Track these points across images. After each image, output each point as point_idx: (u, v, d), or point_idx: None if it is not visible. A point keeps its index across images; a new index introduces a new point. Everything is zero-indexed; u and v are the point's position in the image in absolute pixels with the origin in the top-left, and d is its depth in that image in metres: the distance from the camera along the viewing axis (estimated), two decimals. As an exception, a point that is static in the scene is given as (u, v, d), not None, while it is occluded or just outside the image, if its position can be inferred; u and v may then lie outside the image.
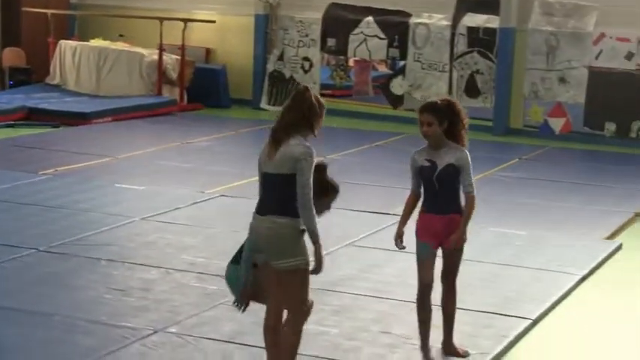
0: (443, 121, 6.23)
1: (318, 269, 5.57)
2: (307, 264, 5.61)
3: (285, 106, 5.74)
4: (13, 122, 14.94)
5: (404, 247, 6.37)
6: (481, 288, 8.06)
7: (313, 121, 5.68)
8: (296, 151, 5.59)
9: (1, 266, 8.12)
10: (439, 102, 6.30)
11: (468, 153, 6.28)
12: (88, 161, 12.49)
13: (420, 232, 6.33)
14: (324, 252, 5.59)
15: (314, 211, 5.54)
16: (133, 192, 10.88)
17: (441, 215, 6.30)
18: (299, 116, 5.66)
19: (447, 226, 6.29)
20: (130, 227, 9.44)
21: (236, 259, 5.84)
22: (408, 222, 6.41)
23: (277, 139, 5.67)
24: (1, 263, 8.18)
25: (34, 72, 17.90)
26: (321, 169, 5.79)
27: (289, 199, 5.60)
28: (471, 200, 6.33)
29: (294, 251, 5.59)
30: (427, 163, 6.30)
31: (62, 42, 17.82)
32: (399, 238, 6.37)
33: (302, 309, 5.68)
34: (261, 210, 5.69)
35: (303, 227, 5.58)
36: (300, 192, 5.54)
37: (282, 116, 5.71)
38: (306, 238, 5.58)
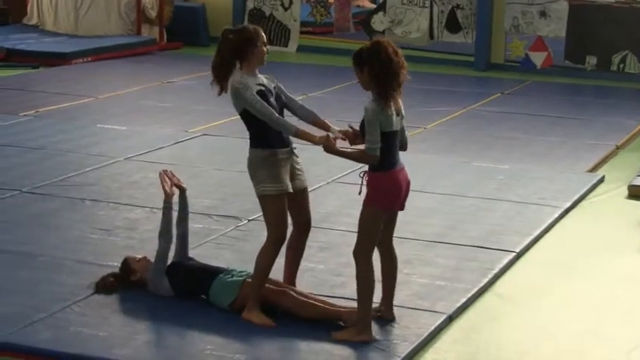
0: (362, 67, 5.71)
1: (326, 147, 5.80)
2: (274, 191, 5.92)
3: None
4: (-9, 64, 14.84)
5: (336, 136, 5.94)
6: (465, 222, 8.11)
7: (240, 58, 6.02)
8: (230, 90, 5.98)
9: (-15, 208, 8.13)
10: (363, 47, 5.83)
11: (373, 105, 5.65)
12: (69, 102, 12.43)
13: None
14: (308, 135, 5.88)
15: (275, 118, 5.87)
16: (115, 132, 10.85)
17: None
18: (218, 60, 6.10)
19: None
20: (114, 167, 9.43)
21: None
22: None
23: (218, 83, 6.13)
24: (-15, 205, 8.19)
25: (10, 13, 17.71)
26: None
27: (250, 130, 6.00)
28: (366, 154, 5.71)
29: (258, 179, 5.96)
30: None
31: (39, -18, 17.64)
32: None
33: (271, 233, 5.99)
34: None
35: (272, 157, 5.93)
36: (260, 116, 5.89)
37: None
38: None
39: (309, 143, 5.94)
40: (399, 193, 5.86)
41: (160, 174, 6.49)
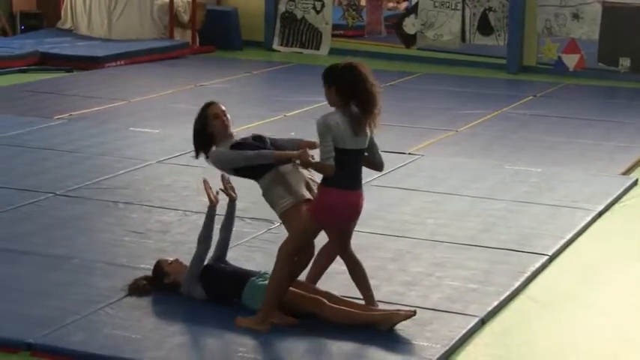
0: (330, 86, 5.80)
1: (302, 160, 5.95)
2: (291, 203, 6.03)
3: None
4: (26, 67, 14.92)
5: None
6: (497, 225, 8.09)
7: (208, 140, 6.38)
8: (212, 164, 6.38)
9: (19, 210, 8.18)
10: (336, 65, 5.90)
11: (325, 119, 5.73)
12: (102, 105, 12.50)
13: None
14: (285, 155, 6.11)
15: (252, 155, 6.12)
16: (148, 135, 10.90)
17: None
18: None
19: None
20: (146, 170, 9.47)
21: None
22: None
23: None
24: (19, 207, 8.24)
25: (45, 17, 17.84)
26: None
27: (252, 176, 6.27)
28: (323, 165, 5.79)
29: (274, 199, 6.11)
30: None
31: (72, -14, 17.75)
32: None
33: (288, 241, 6.00)
34: None
35: (277, 174, 6.09)
36: (239, 162, 6.20)
37: None
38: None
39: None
40: (339, 215, 5.92)
41: (204, 181, 6.48)
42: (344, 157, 5.80)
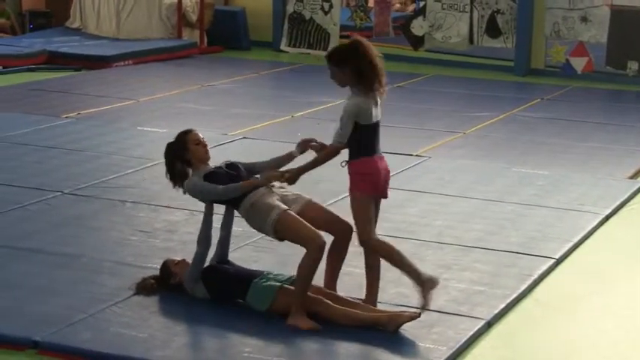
0: (343, 66, 5.96)
1: (288, 180, 6.13)
2: (277, 215, 6.05)
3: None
4: (34, 66, 14.97)
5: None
6: (504, 228, 8.09)
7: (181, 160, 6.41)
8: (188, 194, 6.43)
9: (26, 209, 8.20)
10: (342, 46, 6.08)
11: (354, 101, 5.93)
12: (110, 104, 12.52)
13: None
14: (252, 183, 6.21)
15: (221, 191, 6.18)
16: (156, 135, 10.91)
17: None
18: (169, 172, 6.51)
19: None
20: (154, 169, 9.47)
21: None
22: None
23: None
24: (26, 206, 8.26)
25: (53, 16, 17.89)
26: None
27: (228, 203, 6.32)
28: (329, 148, 6.06)
29: (260, 222, 6.13)
30: None
31: (81, -15, 17.78)
32: None
33: (307, 246, 5.99)
34: None
35: (252, 203, 6.12)
36: (213, 197, 6.30)
37: None
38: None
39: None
40: (377, 178, 6.08)
41: None
42: (369, 130, 6.02)
